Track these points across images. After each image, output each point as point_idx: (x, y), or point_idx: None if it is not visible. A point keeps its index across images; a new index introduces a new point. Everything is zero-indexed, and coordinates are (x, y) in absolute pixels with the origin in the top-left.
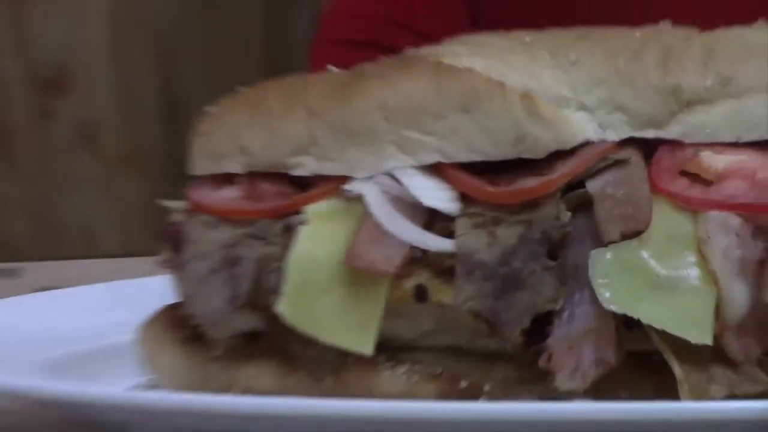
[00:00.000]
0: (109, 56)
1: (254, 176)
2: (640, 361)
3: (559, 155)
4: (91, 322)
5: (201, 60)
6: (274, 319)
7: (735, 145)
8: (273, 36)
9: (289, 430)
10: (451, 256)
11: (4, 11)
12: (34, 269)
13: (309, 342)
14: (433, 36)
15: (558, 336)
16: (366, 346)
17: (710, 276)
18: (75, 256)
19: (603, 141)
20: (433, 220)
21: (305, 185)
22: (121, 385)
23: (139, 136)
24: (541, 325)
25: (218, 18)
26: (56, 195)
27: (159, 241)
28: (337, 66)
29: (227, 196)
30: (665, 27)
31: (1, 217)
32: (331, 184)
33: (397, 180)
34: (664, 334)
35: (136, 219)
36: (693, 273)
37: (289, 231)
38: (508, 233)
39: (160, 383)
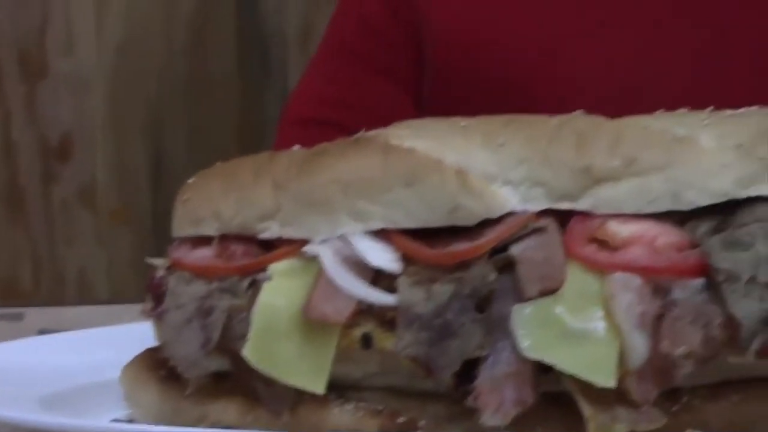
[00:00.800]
0: (107, 128)
1: (226, 238)
2: (554, 401)
3: (488, 223)
4: (82, 363)
5: (185, 133)
6: (240, 362)
7: (637, 216)
8: (247, 115)
9: None
10: (393, 309)
11: (18, 87)
12: (34, 313)
13: (269, 382)
14: (383, 118)
15: (484, 378)
16: (319, 386)
17: (614, 329)
18: (72, 303)
19: (525, 211)
20: (378, 278)
21: (270, 246)
22: (106, 418)
23: (130, 197)
24: (469, 369)
25: (200, 98)
26: (58, 247)
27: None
28: (299, 142)
29: (202, 255)
30: (579, 115)
31: (9, 266)
32: (292, 246)
33: (348, 243)
34: (574, 378)
35: (126, 269)
36: (600, 326)
37: (255, 286)
38: (443, 290)
39: (139, 417)
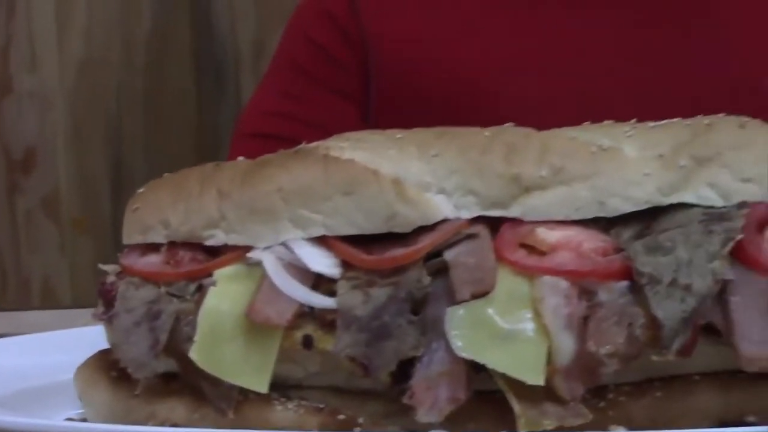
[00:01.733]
0: (68, 142)
1: (174, 245)
2: (486, 398)
3: (423, 230)
4: (37, 365)
5: (143, 146)
6: (187, 363)
7: (564, 223)
8: (203, 128)
9: None
10: (333, 311)
11: None
12: None
13: (215, 381)
14: (332, 132)
15: (419, 377)
16: (262, 386)
17: (543, 329)
18: (36, 308)
19: (458, 218)
20: (319, 282)
21: (215, 253)
22: (60, 417)
23: (91, 207)
24: (405, 368)
25: (158, 113)
26: (22, 255)
27: None
28: (252, 154)
29: (151, 261)
30: (509, 127)
31: None
32: (237, 253)
33: (290, 249)
34: (505, 377)
35: (88, 276)
36: (529, 327)
37: (201, 290)
38: (380, 293)
39: (92, 416)
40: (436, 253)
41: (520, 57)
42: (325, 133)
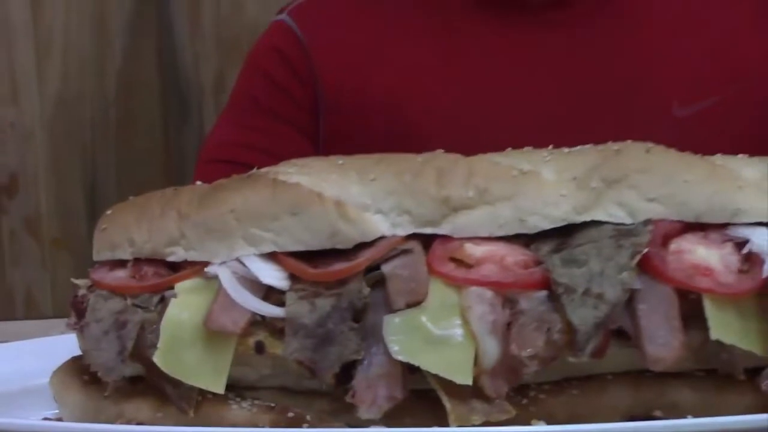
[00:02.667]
0: (48, 169)
1: (139, 261)
2: (420, 396)
3: (362, 246)
4: (16, 370)
5: (115, 172)
6: (152, 367)
7: (489, 239)
8: (169, 156)
9: None
10: (282, 320)
11: None
12: None
13: (177, 383)
14: (285, 159)
15: (360, 379)
16: (219, 387)
17: (470, 335)
18: (19, 317)
19: (394, 236)
20: (269, 293)
21: (176, 268)
22: (37, 416)
23: (69, 227)
24: (347, 371)
25: (129, 142)
26: (7, 270)
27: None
28: (214, 178)
29: (118, 276)
30: (439, 153)
31: None
32: (195, 267)
33: (243, 264)
34: (437, 377)
35: (67, 289)
36: (458, 332)
37: (163, 302)
38: (324, 303)
39: (66, 415)
40: (375, 267)
41: (451, 88)
42: (279, 159)
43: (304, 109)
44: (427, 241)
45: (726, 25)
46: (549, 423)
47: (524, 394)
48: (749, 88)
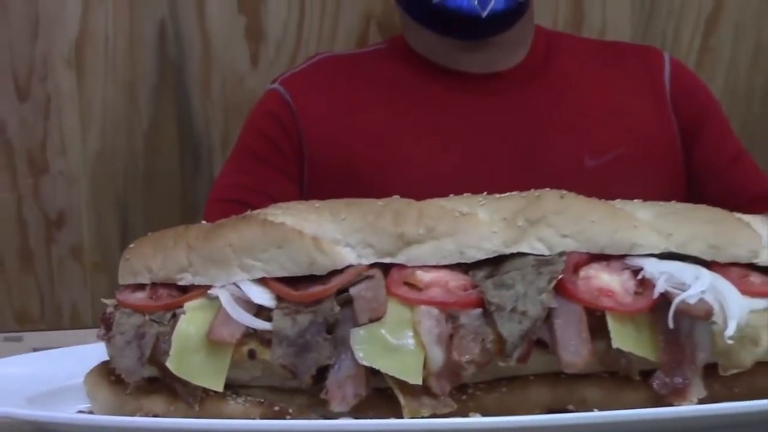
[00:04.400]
0: (89, 208)
1: (155, 285)
2: (381, 393)
3: (334, 272)
4: (58, 371)
5: (143, 211)
6: (165, 370)
7: (436, 267)
8: (185, 198)
9: None
10: (270, 332)
11: (27, 180)
12: (32, 336)
13: (185, 383)
14: (276, 199)
15: (332, 379)
16: (218, 386)
17: (420, 344)
18: (65, 328)
19: (359, 264)
20: (259, 311)
21: (185, 290)
22: (73, 410)
23: (106, 254)
24: (322, 373)
25: (153, 187)
26: (56, 289)
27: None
28: (220, 215)
29: (139, 297)
30: (396, 198)
31: (23, 303)
32: (201, 290)
33: (239, 287)
34: (393, 378)
35: (103, 304)
36: (410, 342)
37: (175, 318)
38: (303, 319)
39: (96, 409)
40: (344, 290)
41: (406, 145)
42: (271, 199)
43: (291, 160)
44: (386, 268)
45: (626, 97)
46: (483, 415)
47: (463, 391)
48: (642, 146)
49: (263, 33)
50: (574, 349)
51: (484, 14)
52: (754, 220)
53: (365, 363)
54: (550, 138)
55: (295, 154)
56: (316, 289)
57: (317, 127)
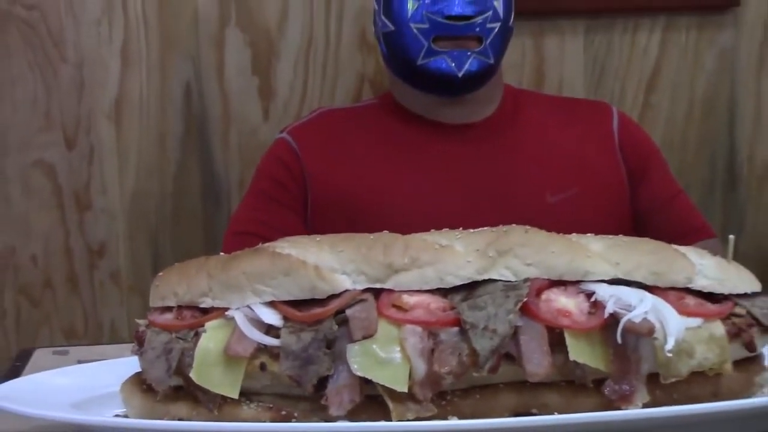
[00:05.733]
0: (126, 240)
1: (180, 307)
2: (372, 399)
3: (333, 296)
4: (98, 381)
5: (171, 244)
6: (189, 380)
7: (419, 291)
8: (208, 233)
9: None
10: (278, 347)
11: (74, 216)
12: (76, 350)
13: (206, 391)
14: (284, 232)
15: (331, 388)
16: (234, 393)
17: (406, 357)
18: (105, 342)
19: (354, 289)
20: (269, 329)
21: (206, 312)
22: (110, 414)
23: (139, 279)
24: (322, 382)
25: (180, 223)
26: (98, 308)
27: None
28: (236, 246)
29: (166, 318)
30: (385, 233)
31: (69, 320)
32: (219, 312)
33: (252, 309)
34: (383, 386)
35: (137, 324)
36: (398, 356)
37: (197, 335)
38: (307, 336)
39: (130, 413)
40: (341, 311)
41: (393, 187)
42: (279, 232)
43: (297, 199)
44: (377, 293)
45: (581, 144)
46: (460, 418)
47: (443, 398)
48: (595, 186)
49: (273, 92)
50: (537, 361)
51: (460, 74)
52: (688, 251)
53: (359, 373)
54: (517, 179)
55: (300, 193)
56: (317, 311)
57: (319, 171)
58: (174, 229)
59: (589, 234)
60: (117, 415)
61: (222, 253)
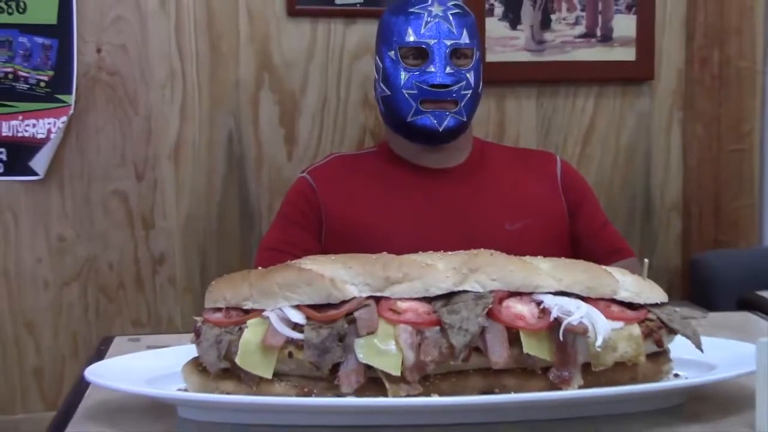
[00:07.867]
0: (181, 253)
1: (228, 308)
2: (373, 381)
3: (345, 302)
4: (165, 363)
5: (217, 257)
6: (234, 364)
7: (410, 299)
8: (243, 249)
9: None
10: (302, 340)
11: (141, 233)
12: (146, 338)
13: (247, 372)
14: (305, 252)
15: (342, 371)
16: (268, 374)
17: (400, 349)
18: (164, 332)
19: (360, 296)
20: (296, 327)
21: (248, 312)
22: (174, 388)
23: (191, 282)
24: (336, 367)
25: (224, 241)
26: (159, 305)
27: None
28: (266, 261)
29: (217, 316)
30: (385, 254)
31: (138, 316)
32: (258, 312)
33: (282, 311)
34: (382, 371)
35: (189, 316)
36: (393, 348)
37: (241, 330)
38: (324, 332)
39: (189, 389)
40: (350, 313)
41: (390, 220)
42: (300, 250)
43: (314, 224)
44: (378, 300)
45: (532, 185)
46: (440, 395)
47: (427, 380)
48: (543, 218)
49: (296, 139)
50: (498, 353)
51: (441, 129)
52: (613, 270)
53: (364, 361)
54: (483, 212)
55: (317, 220)
56: (332, 313)
57: (332, 203)
58: (217, 244)
59: (539, 256)
60: (179, 390)
61: (258, 267)
